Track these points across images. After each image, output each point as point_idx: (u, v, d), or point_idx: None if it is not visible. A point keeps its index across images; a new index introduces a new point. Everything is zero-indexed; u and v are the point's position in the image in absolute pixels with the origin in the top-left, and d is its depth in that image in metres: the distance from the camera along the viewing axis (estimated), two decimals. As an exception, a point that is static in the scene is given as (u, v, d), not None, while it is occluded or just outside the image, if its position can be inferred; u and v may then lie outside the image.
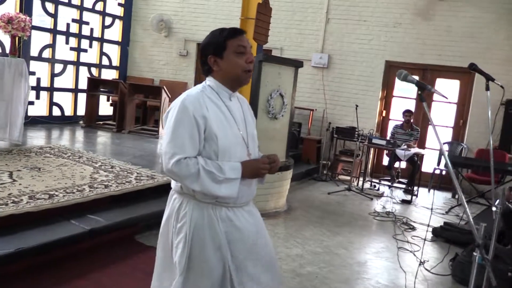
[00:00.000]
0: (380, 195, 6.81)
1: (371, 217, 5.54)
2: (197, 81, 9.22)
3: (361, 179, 7.28)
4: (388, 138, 7.49)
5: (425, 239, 4.66)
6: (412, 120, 7.40)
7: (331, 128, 7.79)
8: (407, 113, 7.37)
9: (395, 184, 7.39)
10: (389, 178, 7.54)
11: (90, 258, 3.21)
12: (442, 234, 4.90)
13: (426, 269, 3.91)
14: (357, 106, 7.13)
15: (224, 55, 1.76)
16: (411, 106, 7.88)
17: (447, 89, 7.93)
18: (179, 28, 8.98)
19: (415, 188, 6.98)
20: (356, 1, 8.00)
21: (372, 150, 7.83)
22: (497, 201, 2.74)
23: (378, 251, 4.33)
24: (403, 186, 7.30)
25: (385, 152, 7.77)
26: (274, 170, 1.88)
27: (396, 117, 8.09)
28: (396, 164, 7.38)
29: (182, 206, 1.77)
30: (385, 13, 7.86)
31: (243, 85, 1.89)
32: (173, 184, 1.85)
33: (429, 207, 6.35)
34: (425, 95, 1.94)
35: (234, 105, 1.86)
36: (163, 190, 4.43)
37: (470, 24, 7.40)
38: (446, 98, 2.00)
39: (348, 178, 7.52)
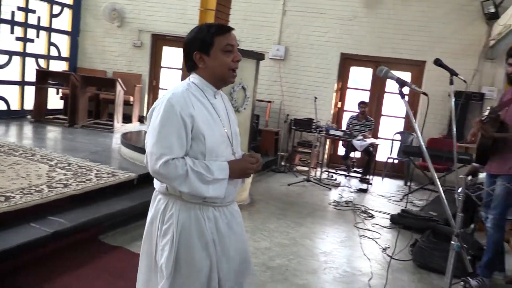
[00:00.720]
0: (338, 185, 7.00)
1: (331, 207, 5.69)
2: (152, 73, 8.99)
3: (318, 169, 7.44)
4: (344, 129, 7.70)
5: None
6: (366, 111, 7.63)
7: (289, 120, 7.88)
8: (362, 104, 7.59)
9: (351, 174, 7.63)
10: (345, 168, 7.76)
11: (56, 261, 3.06)
12: (399, 221, 5.12)
13: (389, 256, 4.07)
14: (316, 98, 7.24)
15: (211, 52, 1.70)
16: (365, 97, 8.13)
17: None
18: (133, 18, 8.69)
19: (370, 177, 7.25)
20: (314, -7, 8.10)
21: (328, 141, 8.01)
22: (460, 189, 2.90)
23: (341, 240, 4.45)
24: (359, 175, 7.55)
25: (341, 142, 7.98)
26: (258, 169, 1.86)
27: (350, 108, 8.31)
28: (352, 154, 7.61)
29: (168, 207, 1.72)
30: (341, 6, 8.01)
31: (228, 84, 1.84)
32: (157, 185, 1.78)
33: (384, 195, 6.63)
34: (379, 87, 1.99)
35: (219, 102, 1.81)
36: (125, 187, 4.33)
37: (421, 18, 7.71)
38: (426, 94, 2.07)
39: (306, 169, 7.66)
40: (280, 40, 8.30)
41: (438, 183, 2.05)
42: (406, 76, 8.22)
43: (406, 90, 2.09)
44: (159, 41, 8.93)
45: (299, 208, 5.45)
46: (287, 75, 8.32)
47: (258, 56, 5.32)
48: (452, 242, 2.02)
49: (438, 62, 2.92)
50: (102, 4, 8.52)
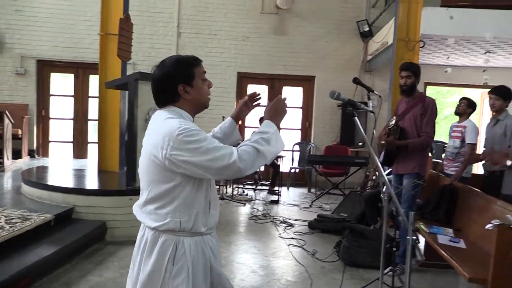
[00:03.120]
0: (250, 200, 7.20)
1: (252, 221, 5.84)
2: (40, 102, 8.26)
3: (228, 186, 7.57)
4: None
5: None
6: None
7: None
8: (262, 120, 7.95)
9: (259, 187, 7.91)
10: (253, 182, 8.02)
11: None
12: (317, 226, 5.49)
13: (319, 259, 4.35)
14: (223, 117, 7.38)
15: (194, 83, 1.75)
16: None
17: (293, 95, 8.84)
18: (14, 44, 7.91)
19: (278, 188, 7.61)
20: (206, 16, 8.30)
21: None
22: (384, 188, 3.28)
23: (273, 252, 4.62)
24: (267, 187, 7.87)
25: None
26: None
27: (252, 124, 8.64)
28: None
29: (178, 246, 1.68)
30: (233, 28, 8.35)
31: (204, 109, 1.86)
32: (162, 226, 1.68)
33: (294, 204, 7.02)
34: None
35: None
36: (42, 230, 3.94)
37: (307, 38, 8.41)
38: (373, 112, 2.32)
39: (216, 187, 7.72)
40: (177, 62, 8.29)
41: (389, 186, 2.31)
42: (299, 90, 8.86)
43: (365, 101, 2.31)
44: (46, 67, 8.26)
45: (221, 226, 5.49)
46: (187, 96, 8.35)
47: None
48: (408, 237, 2.27)
49: (356, 81, 3.30)
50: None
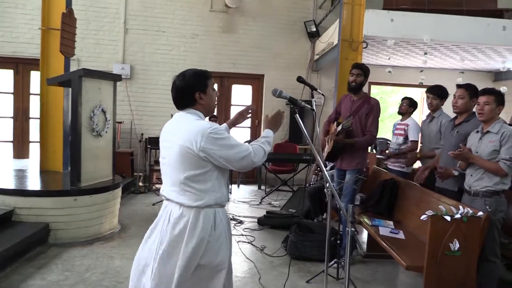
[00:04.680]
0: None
1: (202, 219, 5.84)
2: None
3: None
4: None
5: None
6: (218, 123, 8.03)
7: (144, 139, 7.77)
8: (213, 118, 7.95)
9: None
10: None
11: None
12: (266, 222, 5.59)
13: (268, 254, 4.44)
14: (172, 115, 7.29)
15: (207, 92, 2.23)
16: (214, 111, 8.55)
17: (243, 94, 8.91)
18: None
19: (229, 185, 7.65)
20: (154, 12, 8.17)
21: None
22: (327, 184, 3.41)
23: (222, 249, 4.65)
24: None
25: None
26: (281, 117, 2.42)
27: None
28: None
29: (217, 216, 2.16)
30: (182, 25, 8.27)
31: (212, 113, 2.47)
32: (199, 201, 2.11)
33: (244, 201, 7.09)
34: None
35: None
36: None
37: (256, 37, 8.49)
38: (314, 110, 2.41)
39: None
40: (124, 58, 8.12)
41: (330, 182, 2.40)
42: (248, 89, 8.93)
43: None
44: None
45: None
46: (135, 94, 8.20)
47: (115, 77, 5.18)
48: (347, 228, 2.38)
49: (300, 80, 3.38)
50: None
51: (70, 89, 4.75)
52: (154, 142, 7.48)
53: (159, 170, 7.84)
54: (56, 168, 5.63)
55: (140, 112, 8.24)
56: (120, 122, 7.95)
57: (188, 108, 2.23)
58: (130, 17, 8.11)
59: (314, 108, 2.56)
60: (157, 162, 7.82)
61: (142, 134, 7.87)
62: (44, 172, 5.59)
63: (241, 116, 2.62)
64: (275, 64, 8.57)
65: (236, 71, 8.54)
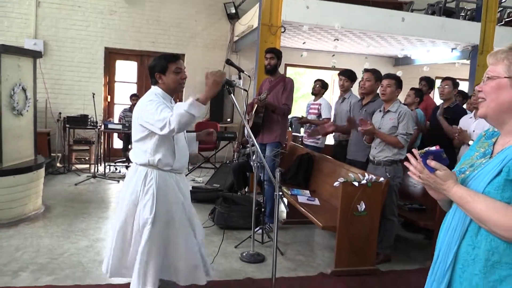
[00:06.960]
0: (123, 177, 7.21)
1: (128, 197, 5.94)
2: None
3: (99, 164, 7.45)
4: (118, 122, 7.89)
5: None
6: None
7: (62, 118, 7.52)
8: (134, 97, 7.93)
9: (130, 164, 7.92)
10: (124, 159, 8.00)
11: None
12: (192, 197, 5.78)
13: (197, 226, 4.74)
14: (94, 94, 7.16)
15: (166, 73, 2.60)
16: (134, 90, 8.50)
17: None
18: None
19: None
20: (69, -14, 7.82)
21: (105, 136, 8.05)
22: (253, 157, 3.78)
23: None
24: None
25: (116, 135, 8.16)
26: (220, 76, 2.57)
27: (121, 102, 8.52)
28: (129, 146, 7.91)
29: (148, 174, 2.58)
30: (99, 0, 8.01)
31: (178, 93, 2.85)
32: (140, 159, 2.59)
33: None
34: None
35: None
36: None
37: (176, 16, 8.53)
38: (246, 90, 2.72)
39: (85, 166, 7.57)
40: (36, 34, 7.70)
41: (261, 154, 2.75)
42: (169, 68, 8.96)
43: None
44: None
45: (99, 204, 5.51)
46: (50, 71, 7.85)
47: (35, 54, 5.02)
48: (275, 193, 2.72)
49: (229, 62, 3.67)
50: None
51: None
52: (73, 121, 7.28)
53: (78, 150, 7.77)
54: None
55: (56, 90, 7.92)
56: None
57: (154, 85, 2.66)
58: (42, -10, 7.69)
59: (247, 89, 2.86)
60: (76, 142, 7.65)
61: (59, 113, 7.61)
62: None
63: (209, 136, 3.17)
64: (195, 44, 8.69)
65: (156, 50, 8.52)
